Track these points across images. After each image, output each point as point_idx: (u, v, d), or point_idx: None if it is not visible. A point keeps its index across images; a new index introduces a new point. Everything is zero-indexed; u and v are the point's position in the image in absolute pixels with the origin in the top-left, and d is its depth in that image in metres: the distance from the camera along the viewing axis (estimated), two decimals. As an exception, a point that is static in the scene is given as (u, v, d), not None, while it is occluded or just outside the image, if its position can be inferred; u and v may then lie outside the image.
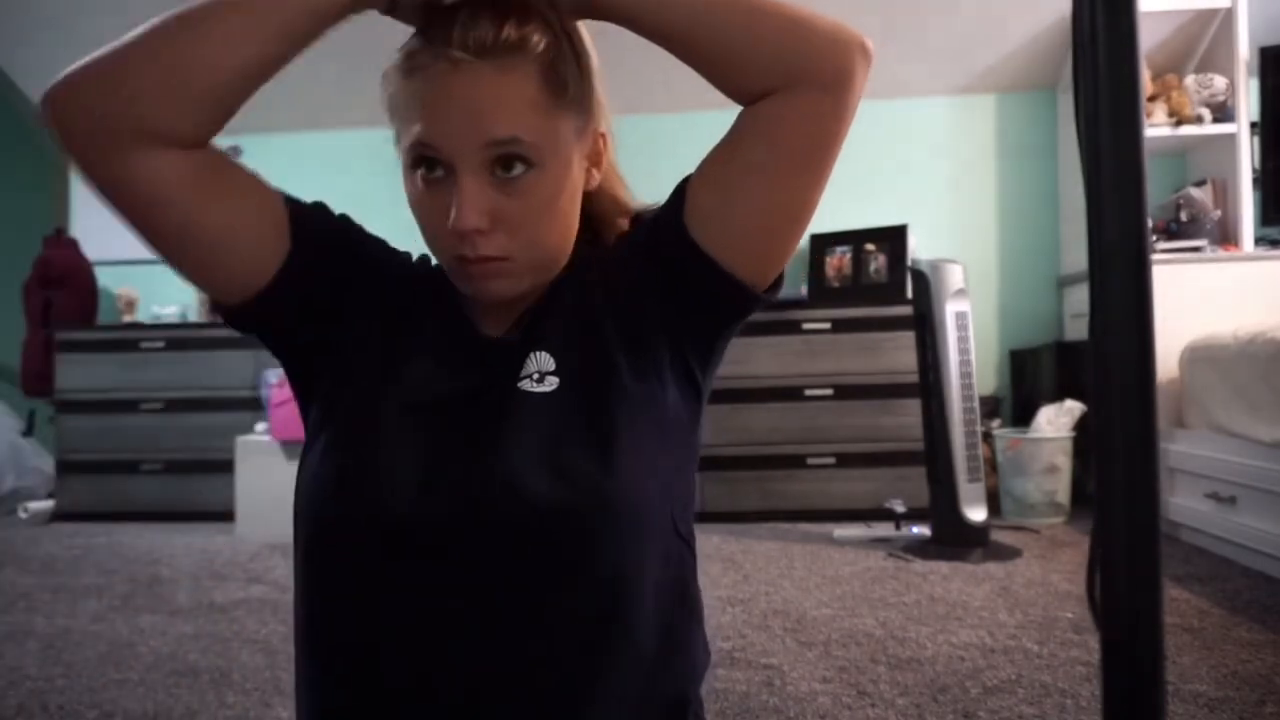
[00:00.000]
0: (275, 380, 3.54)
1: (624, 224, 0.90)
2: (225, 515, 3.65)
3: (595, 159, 0.83)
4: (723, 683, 1.86)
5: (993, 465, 3.55)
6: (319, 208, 0.83)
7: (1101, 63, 0.63)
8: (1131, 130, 0.63)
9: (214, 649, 2.14)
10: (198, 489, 3.92)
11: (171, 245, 0.75)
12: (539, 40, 0.74)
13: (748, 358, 3.64)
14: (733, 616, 2.32)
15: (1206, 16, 3.57)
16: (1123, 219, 0.63)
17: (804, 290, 4.04)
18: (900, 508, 3.31)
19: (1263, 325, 2.75)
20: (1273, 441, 2.52)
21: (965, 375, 3.00)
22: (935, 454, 3.03)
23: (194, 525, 3.75)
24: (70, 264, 4.33)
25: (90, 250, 4.44)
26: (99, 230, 4.52)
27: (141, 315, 4.37)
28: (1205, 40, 3.65)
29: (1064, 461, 3.41)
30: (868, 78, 0.75)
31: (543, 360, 0.79)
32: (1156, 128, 3.50)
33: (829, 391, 3.65)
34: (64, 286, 4.30)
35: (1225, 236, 3.51)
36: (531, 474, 0.73)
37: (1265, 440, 2.56)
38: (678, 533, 0.80)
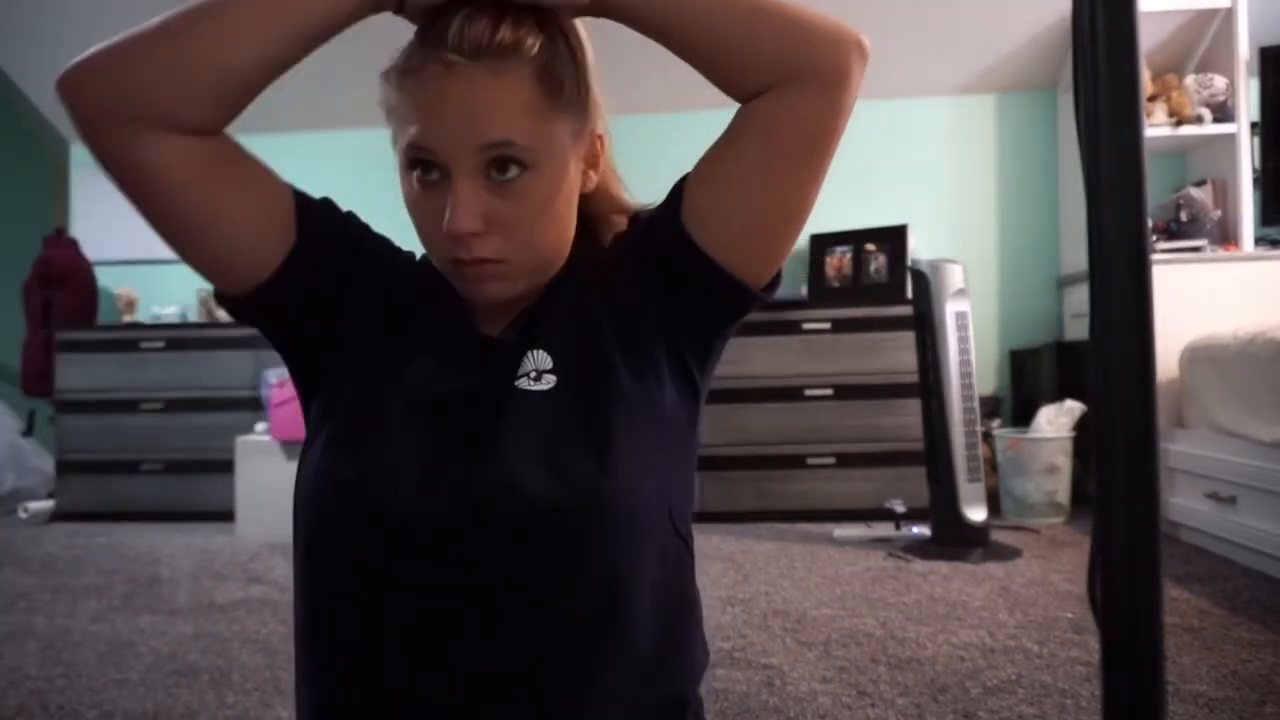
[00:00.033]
0: (275, 380, 3.54)
1: (621, 224, 0.90)
2: (225, 515, 3.65)
3: (592, 160, 0.83)
4: (723, 683, 1.86)
5: (993, 465, 3.55)
6: (326, 203, 0.83)
7: (1101, 63, 0.63)
8: (1131, 130, 0.63)
9: (214, 649, 2.14)
10: (198, 489, 3.92)
11: (177, 231, 0.76)
12: (534, 42, 0.74)
13: (747, 358, 3.64)
14: (733, 616, 2.32)
15: (1206, 16, 3.57)
16: (1123, 219, 0.63)
17: (804, 290, 4.04)
18: (900, 508, 3.31)
19: (1263, 325, 2.75)
20: (1273, 441, 2.52)
21: (965, 375, 3.00)
22: (935, 454, 3.03)
23: (194, 525, 3.75)
24: (70, 264, 4.33)
25: (90, 250, 4.44)
26: (99, 230, 4.53)
27: (141, 315, 4.37)
28: (1205, 40, 3.65)
29: (1064, 461, 3.41)
30: (864, 76, 0.76)
31: (540, 359, 0.80)
32: (1156, 128, 3.50)
33: (829, 391, 3.65)
34: (64, 286, 4.30)
35: (1225, 236, 3.51)
36: (529, 473, 0.74)
37: (1265, 440, 2.56)
38: (676, 532, 0.81)
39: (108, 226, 4.53)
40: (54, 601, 2.60)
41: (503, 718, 0.73)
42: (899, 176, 4.17)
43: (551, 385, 0.79)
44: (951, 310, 2.99)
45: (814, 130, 0.75)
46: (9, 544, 3.45)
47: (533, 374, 0.79)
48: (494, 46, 0.72)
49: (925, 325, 3.04)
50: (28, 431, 4.57)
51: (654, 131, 3.84)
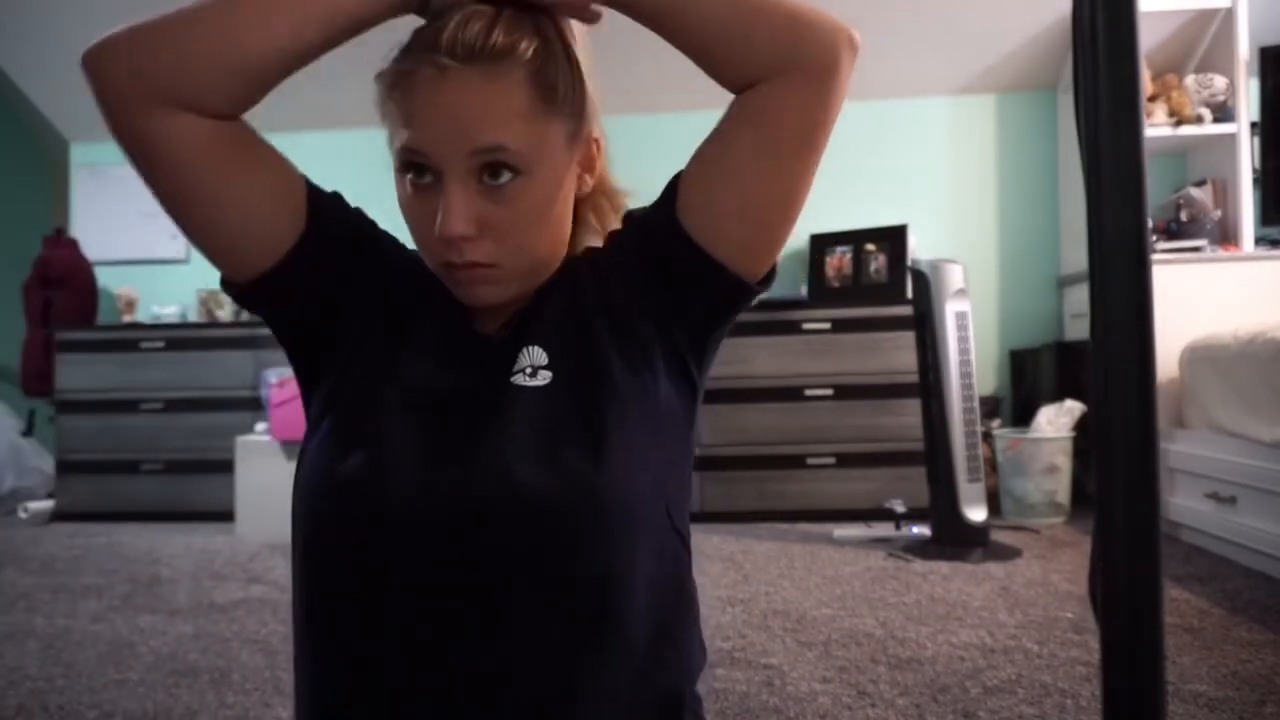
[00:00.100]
0: (275, 380, 3.54)
1: (616, 225, 0.90)
2: (225, 515, 3.65)
3: (588, 164, 0.83)
4: (723, 683, 1.86)
5: (993, 465, 3.55)
6: (337, 197, 0.84)
7: (1101, 63, 0.63)
8: (1131, 130, 0.63)
9: (214, 649, 2.14)
10: (198, 489, 3.92)
11: (188, 211, 0.76)
12: (528, 46, 0.74)
13: (747, 358, 3.64)
14: (733, 616, 2.32)
15: (1206, 16, 3.57)
16: (1123, 219, 0.63)
17: (804, 290, 4.04)
18: (900, 508, 3.31)
19: (1263, 325, 2.75)
20: (1273, 441, 2.52)
21: (965, 375, 3.00)
22: (935, 454, 3.03)
23: (194, 525, 3.75)
24: (70, 264, 4.33)
25: (90, 250, 4.44)
26: (99, 230, 4.53)
27: (141, 315, 4.37)
28: (1205, 40, 3.65)
29: (1064, 461, 3.41)
30: (854, 69, 0.76)
31: (535, 355, 0.80)
32: (1156, 128, 3.50)
33: (829, 391, 3.65)
34: (64, 286, 4.30)
35: (1225, 236, 3.51)
36: (525, 469, 0.74)
37: (1265, 440, 2.56)
38: (673, 527, 0.81)
39: (108, 226, 4.53)
40: (54, 601, 2.60)
41: (500, 714, 0.73)
42: (899, 176, 4.17)
43: (547, 381, 0.79)
44: (951, 310, 2.99)
45: (805, 121, 0.75)
46: (9, 544, 3.45)
47: (528, 370, 0.79)
48: (487, 50, 0.72)
49: (925, 325, 3.04)
50: (28, 431, 4.57)
51: (654, 131, 3.84)
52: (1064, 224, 4.07)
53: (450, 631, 0.73)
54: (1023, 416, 3.82)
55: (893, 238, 3.92)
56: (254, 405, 3.91)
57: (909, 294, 3.32)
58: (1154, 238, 3.40)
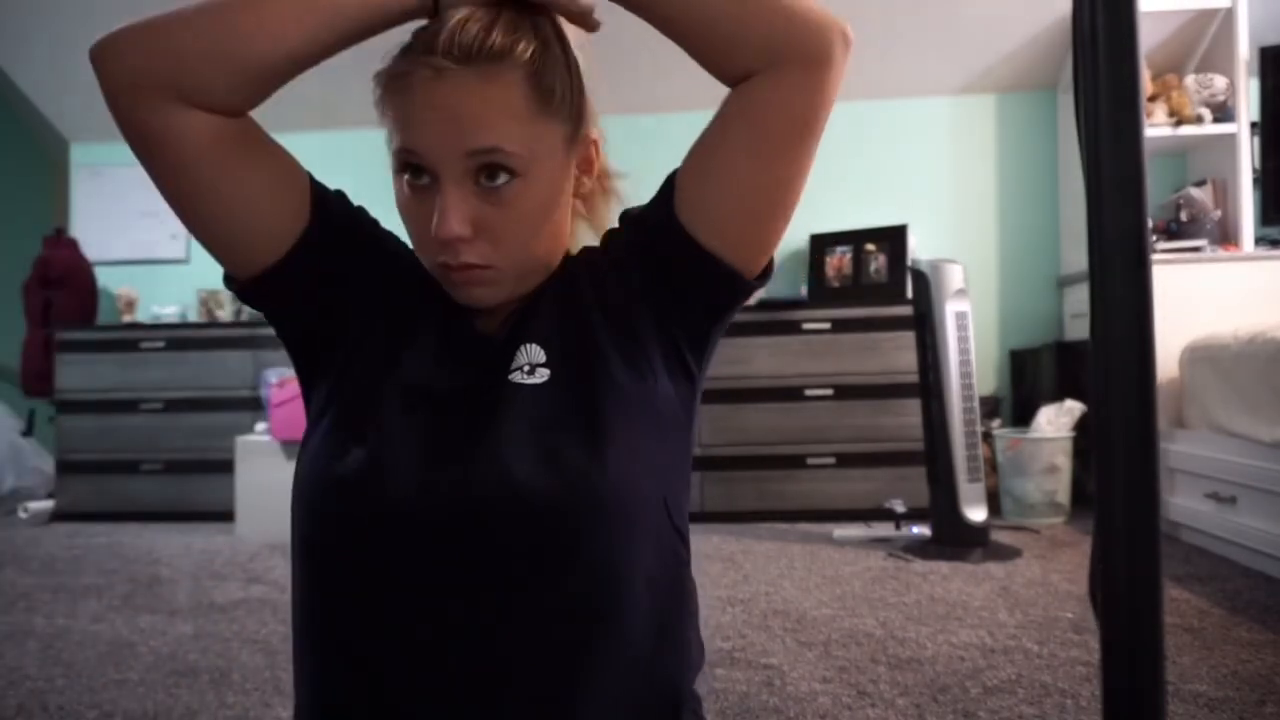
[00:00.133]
0: (275, 380, 3.54)
1: (613, 224, 0.90)
2: (225, 515, 3.65)
3: (586, 166, 0.83)
4: (723, 683, 1.86)
5: (993, 465, 3.55)
6: (340, 195, 0.84)
7: (1101, 63, 0.63)
8: (1131, 130, 0.63)
9: (214, 649, 2.14)
10: (198, 489, 3.92)
11: (191, 207, 0.76)
12: (526, 48, 0.74)
13: (747, 358, 3.64)
14: (733, 616, 2.32)
15: (1206, 16, 3.57)
16: (1123, 219, 0.63)
17: (804, 290, 4.04)
18: (900, 508, 3.31)
19: (1263, 325, 2.75)
20: (1273, 441, 2.52)
21: (965, 375, 3.00)
22: (935, 454, 3.03)
23: (194, 525, 3.75)
24: (70, 264, 4.33)
25: (90, 250, 4.44)
26: (99, 230, 4.53)
27: (141, 315, 4.37)
28: (1205, 40, 3.65)
29: (1064, 461, 3.41)
30: (846, 62, 0.76)
31: (533, 353, 0.80)
32: (1156, 128, 3.50)
33: (829, 391, 3.65)
34: (64, 286, 4.30)
35: (1225, 236, 3.51)
36: (525, 468, 0.74)
37: (1265, 440, 2.56)
38: (672, 524, 0.81)
39: (108, 226, 4.53)
40: (54, 601, 2.60)
41: (500, 713, 0.74)
42: (899, 176, 4.17)
43: (545, 379, 0.79)
44: (951, 310, 2.99)
45: (798, 114, 0.76)
46: (9, 544, 3.45)
47: (526, 368, 0.79)
48: (485, 51, 0.72)
49: (925, 325, 3.04)
50: (28, 431, 4.57)
51: (654, 131, 3.84)
52: (1064, 224, 4.07)
53: (450, 631, 0.73)
54: (1023, 416, 3.82)
55: (893, 238, 3.92)
56: (254, 405, 3.91)
57: (909, 294, 3.32)
58: (1154, 238, 3.40)
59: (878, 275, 3.92)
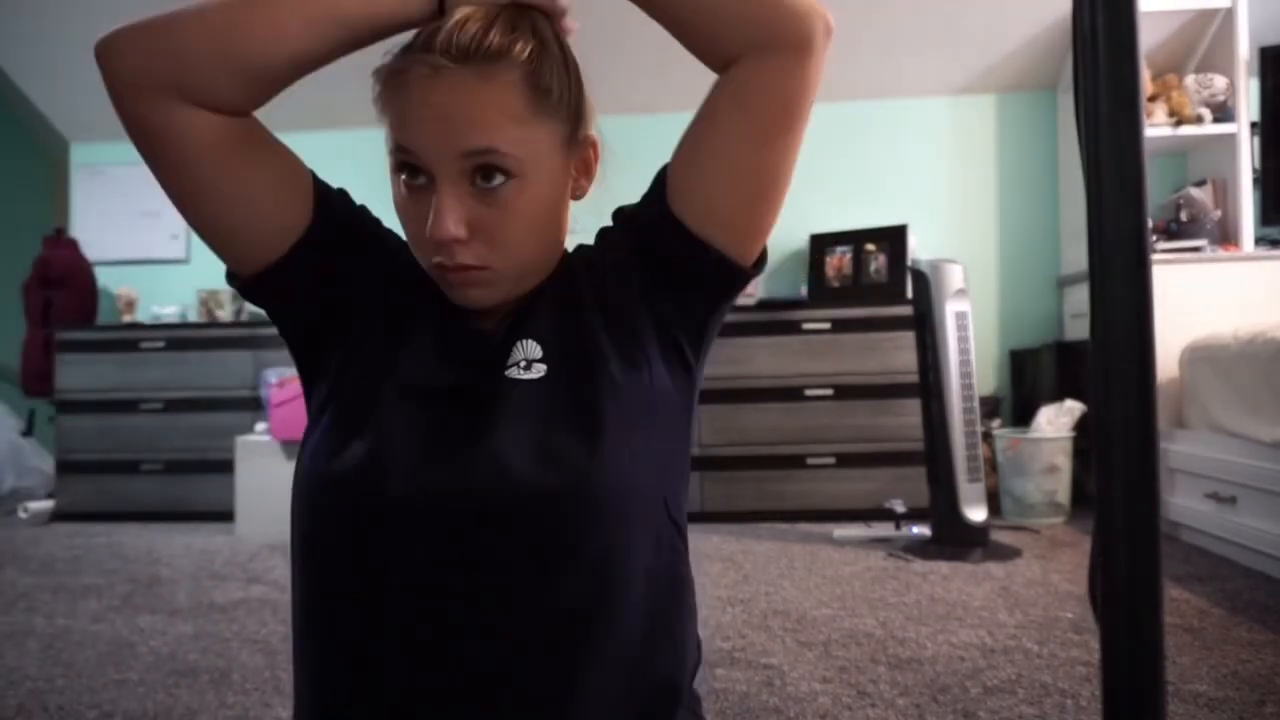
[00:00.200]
0: (275, 380, 3.54)
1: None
2: (225, 515, 3.65)
3: (584, 167, 0.83)
4: (723, 683, 1.86)
5: (993, 465, 3.55)
6: (342, 193, 0.84)
7: (1101, 63, 0.63)
8: (1131, 130, 0.63)
9: (214, 649, 2.14)
10: (198, 489, 3.92)
11: (194, 205, 0.77)
12: (524, 48, 0.74)
13: (747, 358, 3.64)
14: (733, 616, 2.32)
15: (1206, 16, 3.57)
16: (1123, 219, 0.63)
17: (804, 290, 4.04)
18: (900, 508, 3.31)
19: (1263, 325, 2.75)
20: (1273, 441, 2.52)
21: (965, 375, 3.00)
22: (935, 454, 3.03)
23: (194, 525, 3.75)
24: (70, 264, 4.33)
25: (90, 250, 4.44)
26: (99, 230, 4.53)
27: (141, 315, 4.37)
28: (1205, 40, 3.65)
29: (1064, 461, 3.41)
30: (827, 49, 0.77)
31: (530, 348, 0.80)
32: (1156, 128, 3.50)
33: (829, 391, 3.65)
34: (64, 286, 4.30)
35: (1225, 236, 3.51)
36: (522, 465, 0.74)
37: (1265, 440, 2.56)
38: (670, 517, 0.81)
39: (108, 226, 4.53)
40: (54, 601, 2.60)
41: (500, 711, 0.74)
42: (899, 176, 4.16)
43: (542, 374, 0.79)
44: (951, 310, 2.99)
45: (783, 97, 0.76)
46: (9, 544, 3.45)
47: (522, 363, 0.80)
48: (482, 50, 0.72)
49: (925, 325, 3.04)
50: (28, 431, 4.57)
51: (654, 132, 3.84)
52: (1064, 224, 4.07)
53: (449, 629, 0.74)
54: (1023, 416, 3.82)
55: (893, 238, 3.92)
56: (254, 405, 3.91)
57: (909, 294, 3.32)
58: (1154, 238, 3.40)
59: (878, 275, 3.92)
